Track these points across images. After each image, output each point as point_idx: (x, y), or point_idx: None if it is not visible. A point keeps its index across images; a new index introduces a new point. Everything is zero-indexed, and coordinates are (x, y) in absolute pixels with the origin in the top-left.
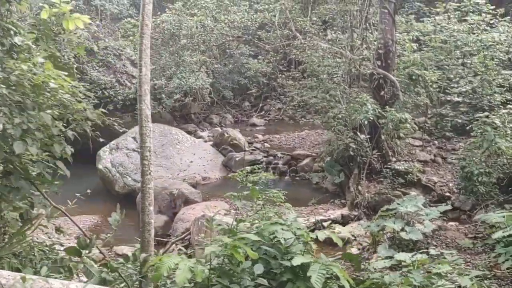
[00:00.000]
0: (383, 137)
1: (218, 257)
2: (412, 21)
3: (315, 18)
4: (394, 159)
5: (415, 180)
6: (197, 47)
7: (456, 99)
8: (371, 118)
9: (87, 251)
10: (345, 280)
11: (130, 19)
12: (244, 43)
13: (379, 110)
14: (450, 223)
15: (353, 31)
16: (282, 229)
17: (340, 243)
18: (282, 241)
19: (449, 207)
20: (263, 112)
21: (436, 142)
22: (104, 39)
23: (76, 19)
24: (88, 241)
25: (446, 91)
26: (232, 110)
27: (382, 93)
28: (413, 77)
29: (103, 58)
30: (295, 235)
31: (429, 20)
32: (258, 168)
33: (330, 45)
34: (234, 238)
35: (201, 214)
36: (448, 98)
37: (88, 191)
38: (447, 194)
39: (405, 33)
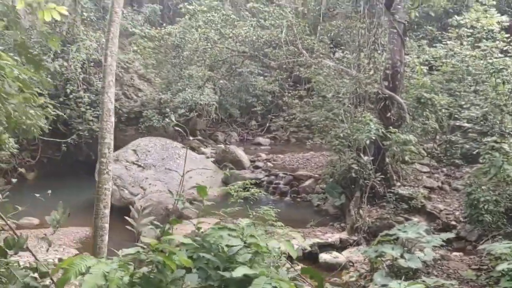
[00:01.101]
0: (387, 159)
1: (147, 263)
2: (425, 46)
3: (323, 36)
4: (398, 183)
5: (419, 207)
6: (202, 60)
7: (466, 125)
8: (373, 138)
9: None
10: None
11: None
12: (250, 59)
13: (383, 130)
14: (455, 253)
15: (361, 50)
16: (229, 234)
17: (294, 255)
18: (226, 249)
19: (452, 234)
20: (270, 132)
21: (444, 169)
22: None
23: (52, 10)
24: (16, 240)
25: (456, 116)
26: (238, 128)
27: (389, 114)
28: (422, 100)
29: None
30: (245, 243)
31: (441, 46)
32: (251, 184)
33: (336, 64)
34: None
35: (191, 231)
36: (458, 124)
37: (49, 191)
38: (453, 222)
39: (416, 56)
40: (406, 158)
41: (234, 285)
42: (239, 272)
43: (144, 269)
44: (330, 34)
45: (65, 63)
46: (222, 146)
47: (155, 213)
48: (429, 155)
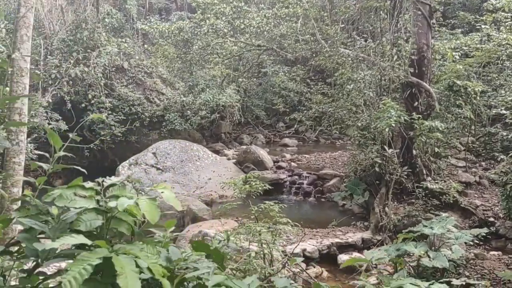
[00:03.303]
0: (414, 152)
1: None
2: (459, 34)
3: (342, 25)
4: (429, 178)
5: (451, 202)
6: (216, 57)
7: (505, 112)
8: (393, 125)
9: None
10: None
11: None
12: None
13: (405, 117)
14: (493, 252)
15: (383, 35)
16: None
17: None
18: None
19: (485, 230)
20: (298, 133)
21: (483, 163)
22: (135, 56)
23: None
24: None
25: (492, 103)
26: (264, 130)
27: (416, 103)
28: (454, 88)
29: (134, 75)
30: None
31: (477, 35)
32: (254, 178)
33: (357, 52)
34: None
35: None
36: (495, 111)
37: None
38: (491, 219)
39: (446, 41)
40: (436, 150)
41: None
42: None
43: None
44: (345, 17)
45: (86, 69)
46: (244, 147)
47: (170, 215)
48: (465, 149)
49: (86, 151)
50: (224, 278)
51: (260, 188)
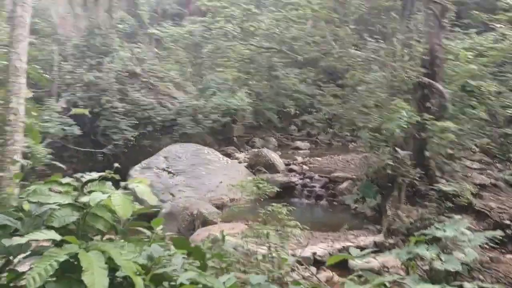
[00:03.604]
0: (427, 153)
1: None
2: (473, 34)
3: (353, 26)
4: (443, 180)
5: (465, 204)
6: (226, 59)
7: None
8: (404, 126)
9: None
10: None
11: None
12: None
13: (417, 118)
14: (509, 255)
15: (393, 35)
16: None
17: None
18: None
19: (500, 232)
20: (311, 136)
21: (498, 165)
22: (147, 61)
23: None
24: None
25: (509, 103)
26: (276, 133)
27: (428, 104)
28: (468, 88)
29: (146, 80)
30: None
31: (492, 34)
32: (262, 180)
33: (367, 53)
34: None
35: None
36: (510, 112)
37: None
38: (507, 221)
39: (459, 41)
40: (449, 151)
41: None
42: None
43: None
44: (355, 17)
45: (99, 74)
46: (255, 150)
47: (181, 218)
48: (480, 150)
49: (99, 155)
50: (195, 275)
51: (268, 190)
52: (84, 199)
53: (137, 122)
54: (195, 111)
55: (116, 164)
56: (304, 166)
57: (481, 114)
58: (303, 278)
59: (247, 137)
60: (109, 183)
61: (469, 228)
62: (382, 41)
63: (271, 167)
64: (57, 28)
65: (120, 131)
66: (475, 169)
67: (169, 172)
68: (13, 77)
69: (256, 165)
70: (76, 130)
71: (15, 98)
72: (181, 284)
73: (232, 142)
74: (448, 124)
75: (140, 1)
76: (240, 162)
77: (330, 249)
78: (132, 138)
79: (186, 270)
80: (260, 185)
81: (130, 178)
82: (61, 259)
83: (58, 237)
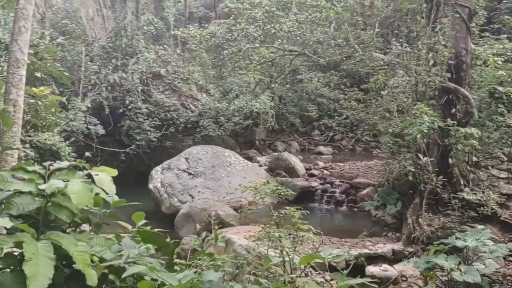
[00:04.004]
0: (450, 160)
1: None
2: (505, 40)
3: (378, 29)
4: (467, 189)
5: (489, 214)
6: (248, 62)
7: None
8: (425, 131)
9: None
10: None
11: None
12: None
13: (439, 123)
14: None
15: (418, 39)
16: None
17: None
18: None
19: None
20: (334, 141)
21: None
22: (172, 62)
23: None
24: None
25: None
26: (299, 138)
27: (454, 110)
28: (496, 94)
29: (170, 82)
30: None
31: None
32: (278, 182)
33: (391, 57)
34: None
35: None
36: None
37: None
38: None
39: (488, 46)
40: (475, 159)
41: None
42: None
43: None
44: (377, 19)
45: (124, 75)
46: (275, 154)
47: (199, 220)
48: (508, 159)
49: (122, 155)
50: (144, 269)
51: (282, 193)
52: (42, 186)
53: (160, 123)
54: (217, 113)
55: (87, 153)
56: (325, 171)
57: (510, 121)
58: (316, 283)
59: (270, 141)
60: (80, 173)
61: (492, 239)
62: (407, 45)
63: (291, 171)
64: (86, 29)
65: (143, 131)
66: (502, 178)
67: (189, 173)
68: (13, 68)
69: (276, 169)
70: (100, 130)
71: (14, 90)
72: (140, 278)
73: (254, 145)
74: (473, 130)
75: (167, 4)
76: (260, 166)
77: (346, 256)
78: (154, 139)
79: (135, 263)
80: (274, 188)
81: (151, 178)
82: (5, 247)
83: (9, 224)
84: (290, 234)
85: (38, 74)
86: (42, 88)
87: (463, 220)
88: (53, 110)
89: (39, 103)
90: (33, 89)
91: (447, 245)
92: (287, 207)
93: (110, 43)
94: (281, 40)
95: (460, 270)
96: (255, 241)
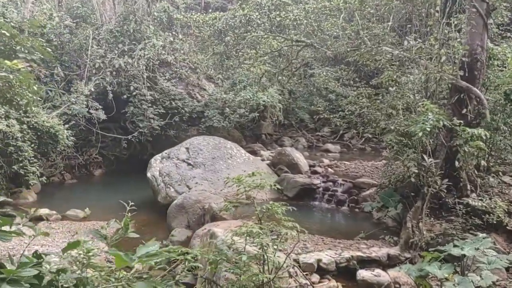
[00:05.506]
0: (457, 163)
1: None
2: None
3: (390, 23)
4: (474, 195)
5: (495, 223)
6: (254, 52)
7: None
8: (428, 130)
9: None
10: None
11: None
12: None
13: (445, 122)
14: None
15: (431, 33)
16: None
17: None
18: None
19: None
20: (344, 139)
21: None
22: (180, 50)
23: None
24: None
25: None
26: (307, 134)
27: (465, 111)
28: (511, 96)
29: (178, 70)
30: None
31: None
32: (260, 174)
33: (401, 51)
34: None
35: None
36: None
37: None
38: None
39: (506, 45)
40: (483, 163)
41: None
42: None
43: None
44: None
45: (130, 60)
46: (279, 148)
47: (192, 212)
48: None
49: (124, 142)
50: None
51: (267, 187)
52: None
53: (165, 112)
54: (223, 104)
55: None
56: (329, 169)
57: None
58: (300, 285)
59: (277, 135)
60: None
61: (495, 249)
62: (419, 40)
63: (294, 167)
64: (96, 13)
65: (146, 119)
66: None
67: (189, 164)
68: None
69: (278, 164)
70: (102, 115)
71: None
72: None
73: (260, 139)
74: (480, 131)
75: None
76: (263, 160)
77: (338, 258)
78: (157, 127)
79: None
80: (259, 181)
81: (150, 166)
82: None
83: None
84: (272, 231)
85: (18, 47)
86: (15, 61)
87: (466, 227)
88: (27, 85)
89: (11, 77)
90: (6, 61)
91: (442, 253)
92: (271, 202)
93: (118, 27)
94: (287, 30)
95: (454, 281)
96: (233, 236)
